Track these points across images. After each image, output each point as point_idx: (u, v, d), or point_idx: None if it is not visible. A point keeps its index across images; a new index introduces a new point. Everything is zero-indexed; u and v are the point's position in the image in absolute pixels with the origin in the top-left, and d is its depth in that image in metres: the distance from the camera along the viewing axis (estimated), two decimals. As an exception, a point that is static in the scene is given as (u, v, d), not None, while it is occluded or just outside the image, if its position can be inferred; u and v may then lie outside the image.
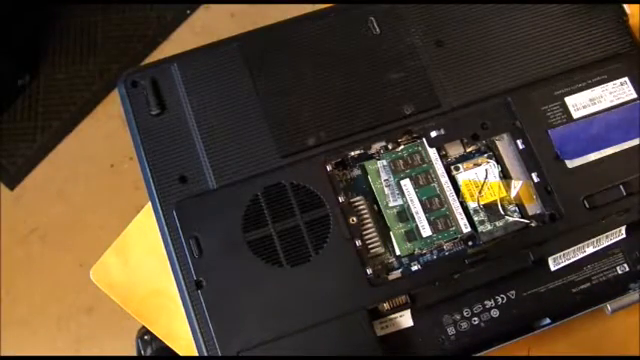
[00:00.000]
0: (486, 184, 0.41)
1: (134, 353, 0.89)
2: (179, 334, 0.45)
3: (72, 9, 1.26)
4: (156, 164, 0.41)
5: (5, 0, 1.16)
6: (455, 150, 0.42)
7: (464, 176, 0.41)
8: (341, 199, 0.39)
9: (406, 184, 0.40)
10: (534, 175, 0.40)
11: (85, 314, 1.09)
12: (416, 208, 0.40)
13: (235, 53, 0.43)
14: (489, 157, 0.41)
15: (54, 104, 1.21)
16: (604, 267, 0.41)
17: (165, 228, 0.39)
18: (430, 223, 0.39)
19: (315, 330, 0.37)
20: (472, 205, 0.40)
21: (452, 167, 0.41)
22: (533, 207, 0.40)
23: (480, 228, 0.40)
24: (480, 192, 0.40)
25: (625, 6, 0.45)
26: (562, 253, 0.40)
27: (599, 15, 0.44)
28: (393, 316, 0.39)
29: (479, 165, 0.41)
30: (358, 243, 0.39)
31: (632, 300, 0.40)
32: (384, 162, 0.41)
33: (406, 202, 0.40)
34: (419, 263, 0.40)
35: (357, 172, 0.41)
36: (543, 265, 0.40)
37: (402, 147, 0.41)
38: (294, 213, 0.39)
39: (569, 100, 0.42)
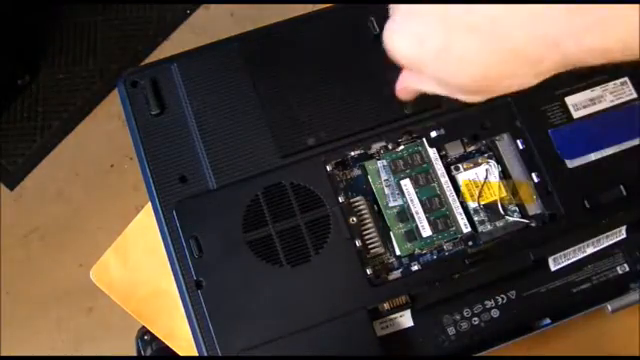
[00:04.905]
0: (486, 184, 0.41)
1: (134, 353, 0.89)
2: (179, 334, 0.45)
3: (72, 9, 1.26)
4: (156, 164, 0.41)
5: (5, 0, 1.16)
6: (455, 150, 0.42)
7: (464, 176, 0.41)
8: (341, 199, 0.39)
9: (406, 184, 0.40)
10: (534, 175, 0.40)
11: (85, 314, 1.09)
12: (416, 208, 0.40)
13: (235, 53, 0.43)
14: (489, 157, 0.41)
15: (54, 104, 1.21)
16: (604, 267, 0.41)
17: (165, 228, 0.39)
18: (430, 223, 0.39)
19: (315, 330, 0.37)
20: (472, 205, 0.40)
21: (452, 167, 0.41)
22: (533, 207, 0.40)
23: (480, 228, 0.40)
24: (480, 192, 0.40)
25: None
26: (562, 253, 0.40)
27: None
28: (393, 316, 0.39)
29: (479, 165, 0.41)
30: (358, 243, 0.39)
31: (632, 300, 0.40)
32: (384, 162, 0.41)
33: (406, 202, 0.40)
34: (419, 263, 0.39)
35: (357, 172, 0.41)
36: (543, 265, 0.40)
37: (402, 147, 0.41)
38: (294, 213, 0.39)
39: (569, 100, 0.42)
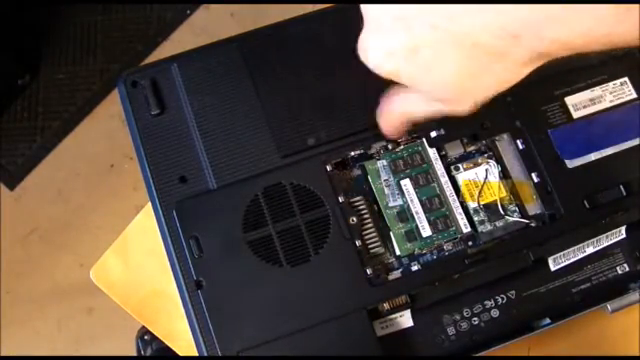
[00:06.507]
0: (486, 184, 0.41)
1: (134, 353, 0.89)
2: (179, 334, 0.45)
3: (72, 9, 1.26)
4: (156, 164, 0.41)
5: (6, 0, 1.16)
6: (455, 150, 0.42)
7: (464, 176, 0.41)
8: (341, 199, 0.39)
9: (406, 184, 0.40)
10: (534, 175, 0.40)
11: (85, 314, 1.09)
12: (416, 208, 0.40)
13: (235, 53, 0.43)
14: (489, 157, 0.41)
15: (54, 104, 1.21)
16: (604, 267, 0.41)
17: (165, 228, 0.39)
18: (430, 223, 0.39)
19: (315, 330, 0.37)
20: (472, 205, 0.40)
21: (452, 167, 0.41)
22: (533, 207, 0.40)
23: (480, 228, 0.40)
24: (480, 192, 0.40)
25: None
26: (562, 253, 0.40)
27: (599, 15, 0.44)
28: (393, 316, 0.39)
29: (479, 165, 0.41)
30: (358, 243, 0.39)
31: (632, 300, 0.40)
32: (384, 162, 0.41)
33: (406, 202, 0.40)
34: (419, 263, 0.39)
35: (357, 172, 0.41)
36: (543, 265, 0.40)
37: (402, 147, 0.41)
38: (294, 213, 0.39)
39: (569, 100, 0.42)
